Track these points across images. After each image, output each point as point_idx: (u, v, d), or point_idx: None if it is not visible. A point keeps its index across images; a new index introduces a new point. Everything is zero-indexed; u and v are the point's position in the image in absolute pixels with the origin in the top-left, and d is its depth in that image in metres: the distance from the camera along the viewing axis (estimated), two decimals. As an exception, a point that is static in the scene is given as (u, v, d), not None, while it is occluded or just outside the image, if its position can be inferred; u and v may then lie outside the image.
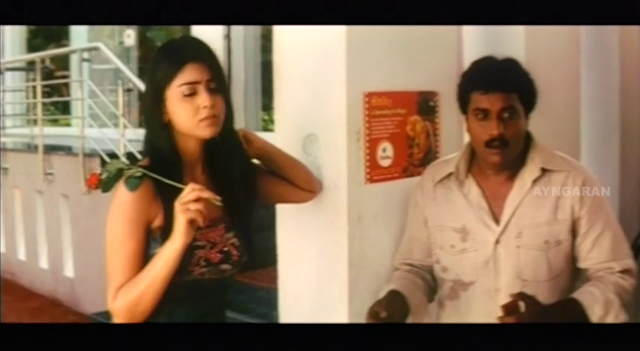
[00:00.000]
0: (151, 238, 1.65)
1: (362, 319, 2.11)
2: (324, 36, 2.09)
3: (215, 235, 1.71)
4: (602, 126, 3.47)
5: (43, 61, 7.03)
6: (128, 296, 1.60)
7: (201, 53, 1.68)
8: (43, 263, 6.43)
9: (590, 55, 3.32)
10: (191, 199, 1.55)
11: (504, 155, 1.85)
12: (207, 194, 1.57)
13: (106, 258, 1.66)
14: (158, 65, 1.68)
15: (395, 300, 1.87)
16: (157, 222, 1.64)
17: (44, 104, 6.84)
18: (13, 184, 6.74)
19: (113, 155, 5.20)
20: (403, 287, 1.94)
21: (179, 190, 1.61)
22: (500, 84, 1.84)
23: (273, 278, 2.35)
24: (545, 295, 1.82)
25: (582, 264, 1.91)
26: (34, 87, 6.62)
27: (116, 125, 5.33)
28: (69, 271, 6.06)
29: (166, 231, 1.62)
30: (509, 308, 1.67)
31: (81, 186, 5.60)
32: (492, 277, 1.89)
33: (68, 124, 8.12)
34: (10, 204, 6.68)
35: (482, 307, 1.90)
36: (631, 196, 3.53)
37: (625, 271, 1.88)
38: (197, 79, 1.64)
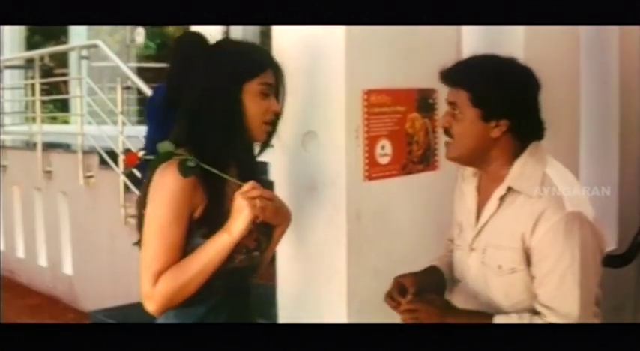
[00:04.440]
0: (194, 228, 1.65)
1: (361, 317, 2.12)
2: (323, 34, 2.10)
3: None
4: (602, 125, 3.46)
5: (42, 58, 7.03)
6: (174, 282, 1.59)
7: (277, 64, 1.76)
8: (42, 261, 6.44)
9: (590, 54, 3.32)
10: (256, 195, 1.60)
11: (449, 148, 1.79)
12: (267, 194, 1.62)
13: (143, 241, 1.64)
14: (238, 58, 1.71)
15: (431, 273, 1.90)
16: (197, 213, 1.65)
17: (43, 102, 6.84)
18: (12, 181, 6.75)
19: (111, 152, 5.20)
20: (442, 263, 1.96)
21: (221, 185, 1.64)
22: (452, 78, 1.77)
23: (271, 275, 2.35)
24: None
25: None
26: (33, 85, 6.63)
27: (115, 122, 5.33)
28: (68, 268, 6.07)
29: (207, 223, 1.63)
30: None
31: (80, 183, 5.61)
32: (468, 283, 1.84)
33: (67, 122, 8.12)
34: (9, 201, 6.68)
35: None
36: (631, 195, 3.53)
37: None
38: (273, 83, 1.73)
